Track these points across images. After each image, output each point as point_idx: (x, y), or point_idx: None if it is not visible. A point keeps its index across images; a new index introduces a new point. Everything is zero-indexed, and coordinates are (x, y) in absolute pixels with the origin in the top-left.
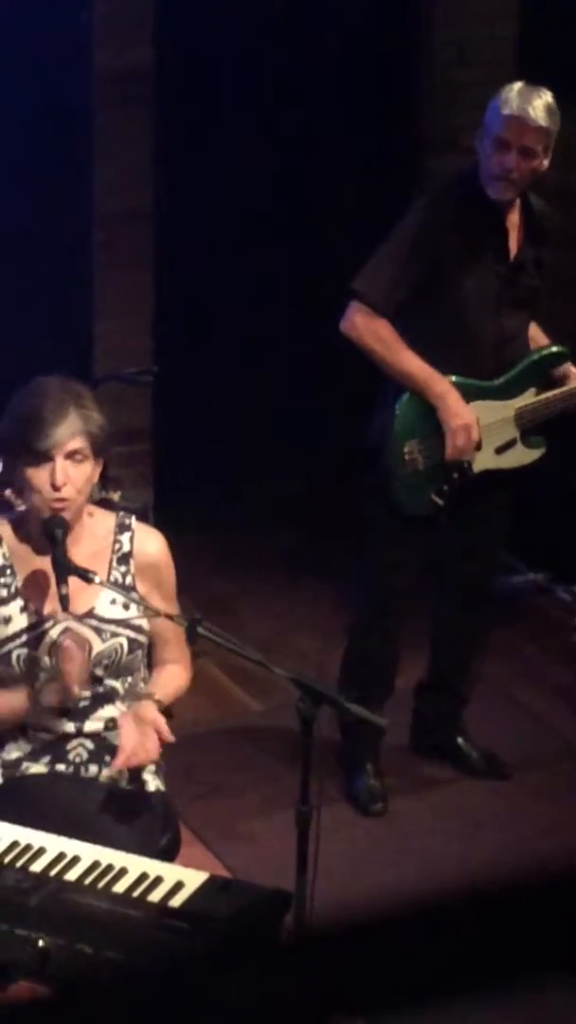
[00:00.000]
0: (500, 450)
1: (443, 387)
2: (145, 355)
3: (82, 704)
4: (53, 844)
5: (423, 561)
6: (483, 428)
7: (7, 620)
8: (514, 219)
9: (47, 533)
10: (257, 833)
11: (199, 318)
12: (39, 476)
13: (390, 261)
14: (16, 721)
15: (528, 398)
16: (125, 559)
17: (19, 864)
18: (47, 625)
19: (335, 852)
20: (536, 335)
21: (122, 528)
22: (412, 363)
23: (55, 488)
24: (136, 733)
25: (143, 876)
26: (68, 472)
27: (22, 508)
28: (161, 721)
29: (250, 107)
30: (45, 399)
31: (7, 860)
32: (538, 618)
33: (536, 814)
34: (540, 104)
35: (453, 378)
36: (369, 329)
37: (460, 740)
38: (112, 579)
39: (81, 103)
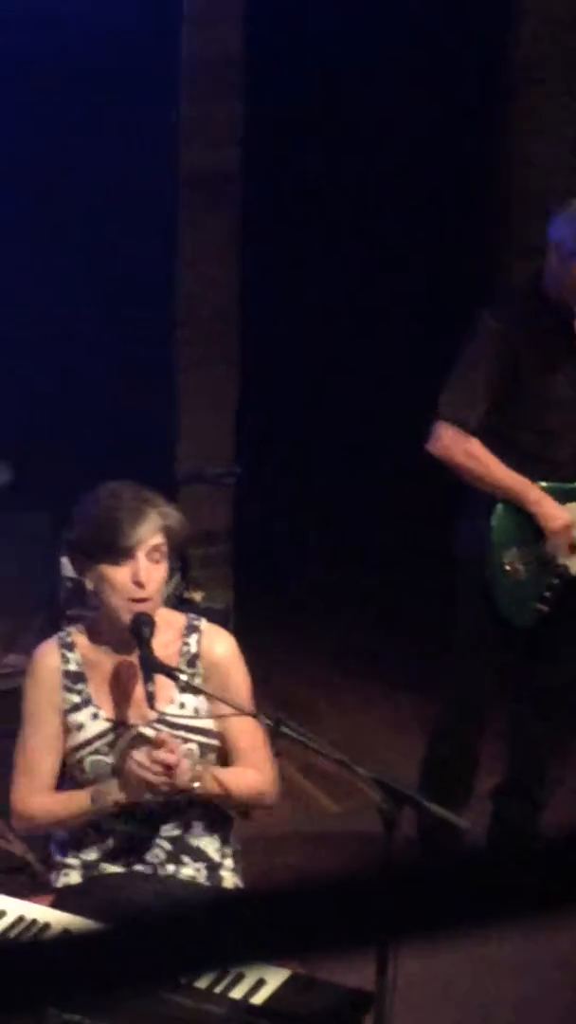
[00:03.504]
0: None
1: (537, 494)
2: (228, 455)
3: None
4: None
5: (506, 668)
6: None
7: (80, 727)
8: None
9: (134, 632)
10: None
11: (279, 417)
12: (119, 575)
13: (468, 377)
14: (81, 822)
15: None
16: (193, 661)
17: None
18: (119, 732)
19: (413, 952)
20: None
21: (191, 630)
22: (505, 475)
23: (139, 585)
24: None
25: (224, 972)
26: (149, 571)
27: (91, 614)
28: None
29: (335, 207)
30: (120, 500)
31: None
32: None
33: None
34: None
35: (543, 484)
36: (460, 448)
37: None
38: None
39: (167, 202)
